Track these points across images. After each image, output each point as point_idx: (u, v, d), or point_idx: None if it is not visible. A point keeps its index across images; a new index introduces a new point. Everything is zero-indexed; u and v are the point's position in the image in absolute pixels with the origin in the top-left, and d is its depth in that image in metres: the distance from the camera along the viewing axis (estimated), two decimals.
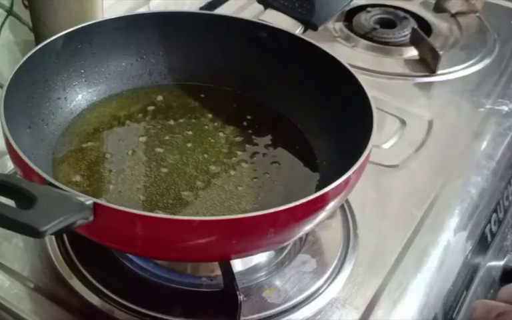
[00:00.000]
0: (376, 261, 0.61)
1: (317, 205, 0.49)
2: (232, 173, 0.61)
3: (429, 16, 1.00)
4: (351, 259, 0.60)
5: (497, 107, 0.83)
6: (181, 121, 0.68)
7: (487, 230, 0.72)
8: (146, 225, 0.46)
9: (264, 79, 0.69)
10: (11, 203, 0.44)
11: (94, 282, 0.56)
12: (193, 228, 0.46)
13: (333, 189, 0.49)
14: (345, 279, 0.58)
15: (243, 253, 0.53)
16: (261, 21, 0.69)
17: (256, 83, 0.70)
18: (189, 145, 0.64)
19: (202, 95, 0.71)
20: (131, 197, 0.58)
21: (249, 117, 0.68)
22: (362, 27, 0.96)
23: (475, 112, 0.82)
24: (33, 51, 0.61)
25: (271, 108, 0.69)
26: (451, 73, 0.88)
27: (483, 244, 0.71)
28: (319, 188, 0.57)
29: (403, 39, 0.94)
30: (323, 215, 0.51)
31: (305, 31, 0.70)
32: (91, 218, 0.45)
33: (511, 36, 0.98)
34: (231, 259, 0.53)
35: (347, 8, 0.96)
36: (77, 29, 0.65)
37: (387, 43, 0.93)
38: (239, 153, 0.64)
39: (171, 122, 0.67)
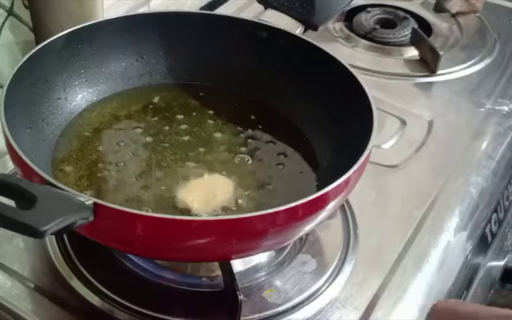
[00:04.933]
0: (376, 261, 0.61)
1: (317, 205, 0.49)
2: (232, 172, 0.61)
3: (429, 16, 1.00)
4: (351, 259, 0.60)
5: (497, 107, 0.83)
6: (181, 120, 0.67)
7: (487, 230, 0.72)
8: (146, 224, 0.46)
9: (264, 78, 0.69)
10: (11, 203, 0.44)
11: (94, 282, 0.56)
12: (193, 228, 0.46)
13: (333, 189, 0.49)
14: (345, 279, 0.58)
15: (243, 253, 0.53)
16: (261, 21, 0.69)
17: (256, 83, 0.70)
18: (189, 144, 0.64)
19: (202, 95, 0.70)
20: (131, 196, 0.58)
21: (248, 117, 0.68)
22: (362, 27, 0.96)
23: (475, 112, 0.82)
24: (33, 51, 0.61)
25: (270, 108, 0.69)
26: (451, 73, 0.88)
27: (483, 244, 0.71)
28: (319, 188, 0.57)
29: (403, 39, 0.94)
30: (323, 215, 0.51)
31: (305, 31, 0.70)
32: (91, 218, 0.45)
33: (511, 36, 0.98)
34: (231, 259, 0.53)
35: (347, 8, 0.96)
36: (77, 29, 0.65)
37: (387, 43, 0.93)
38: (239, 152, 0.64)
39: (171, 121, 0.67)
